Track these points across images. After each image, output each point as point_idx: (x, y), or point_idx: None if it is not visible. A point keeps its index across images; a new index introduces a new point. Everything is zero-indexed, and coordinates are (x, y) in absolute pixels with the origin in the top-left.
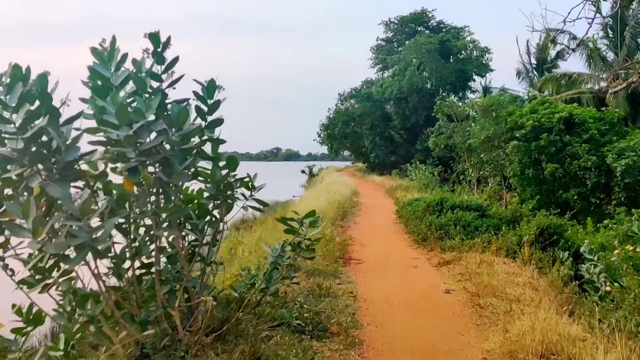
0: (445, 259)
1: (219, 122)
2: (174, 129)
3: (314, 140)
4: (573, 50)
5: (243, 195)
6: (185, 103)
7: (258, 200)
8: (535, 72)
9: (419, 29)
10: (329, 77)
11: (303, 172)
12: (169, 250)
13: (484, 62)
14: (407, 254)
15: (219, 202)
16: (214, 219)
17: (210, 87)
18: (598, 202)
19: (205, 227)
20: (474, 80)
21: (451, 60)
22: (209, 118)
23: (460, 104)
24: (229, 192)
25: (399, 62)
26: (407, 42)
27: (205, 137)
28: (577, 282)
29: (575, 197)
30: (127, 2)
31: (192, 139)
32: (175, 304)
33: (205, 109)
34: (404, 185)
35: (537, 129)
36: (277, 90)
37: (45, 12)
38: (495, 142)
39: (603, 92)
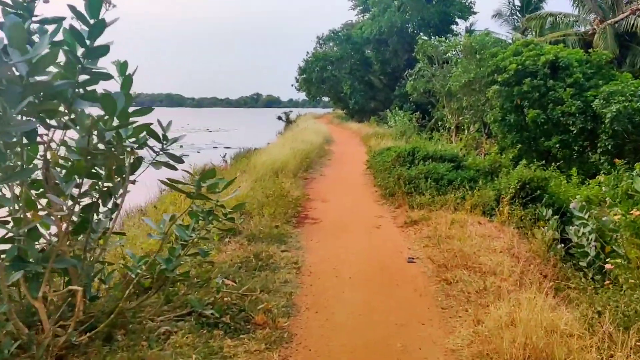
0: (412, 217)
1: (104, 50)
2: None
3: (292, 85)
4: None
5: (153, 149)
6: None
7: (171, 155)
8: (518, 15)
9: None
10: (315, 21)
11: (279, 118)
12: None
13: (467, 4)
14: (372, 211)
15: (102, 158)
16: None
17: (94, 1)
18: (581, 149)
19: (89, 190)
20: (457, 24)
21: (433, 2)
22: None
23: (442, 46)
24: (114, 145)
25: (379, 4)
26: None
27: (97, 71)
28: (562, 245)
29: (558, 145)
30: None
31: (79, 75)
32: (39, 292)
33: (87, 31)
34: (379, 133)
35: (521, 73)
36: (257, 32)
37: None
38: (477, 86)
39: (590, 35)
